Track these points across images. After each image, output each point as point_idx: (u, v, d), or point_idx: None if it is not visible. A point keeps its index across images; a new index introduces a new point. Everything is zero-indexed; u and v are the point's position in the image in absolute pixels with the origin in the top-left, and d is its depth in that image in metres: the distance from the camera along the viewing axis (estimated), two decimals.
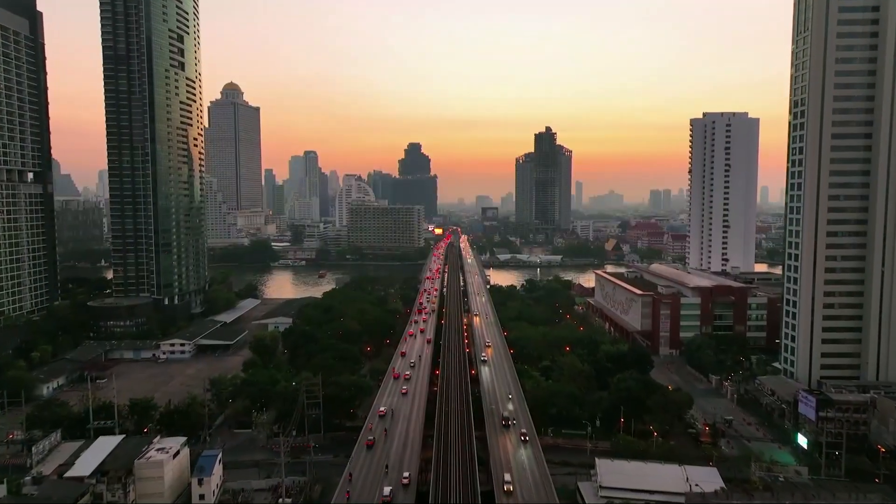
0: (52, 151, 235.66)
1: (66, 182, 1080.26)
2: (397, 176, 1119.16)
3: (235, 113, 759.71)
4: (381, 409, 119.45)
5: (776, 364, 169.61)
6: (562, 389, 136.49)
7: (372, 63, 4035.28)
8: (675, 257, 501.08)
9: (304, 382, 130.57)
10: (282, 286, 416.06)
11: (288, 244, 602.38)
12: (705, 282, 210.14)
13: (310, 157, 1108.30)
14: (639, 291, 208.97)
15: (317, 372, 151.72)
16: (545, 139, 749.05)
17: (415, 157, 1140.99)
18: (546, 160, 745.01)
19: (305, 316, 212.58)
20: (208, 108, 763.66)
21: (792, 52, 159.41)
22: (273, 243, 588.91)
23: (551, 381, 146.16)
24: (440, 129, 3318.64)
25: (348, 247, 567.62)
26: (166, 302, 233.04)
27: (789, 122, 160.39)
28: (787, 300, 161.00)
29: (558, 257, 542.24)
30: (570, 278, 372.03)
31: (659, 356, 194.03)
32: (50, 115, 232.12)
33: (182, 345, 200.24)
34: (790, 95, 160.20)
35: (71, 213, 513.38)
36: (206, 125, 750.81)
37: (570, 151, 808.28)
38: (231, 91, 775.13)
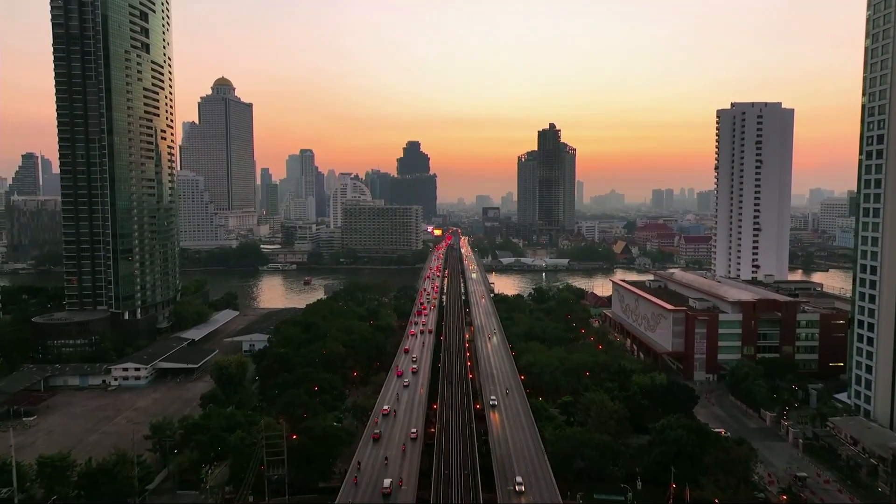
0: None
1: (56, 181, 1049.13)
2: (395, 175, 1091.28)
3: (227, 109, 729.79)
4: (385, 407, 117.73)
5: (842, 396, 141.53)
6: (591, 438, 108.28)
7: (370, 60, 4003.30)
8: (688, 261, 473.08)
9: (262, 434, 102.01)
10: (268, 293, 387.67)
11: (279, 247, 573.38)
12: (746, 295, 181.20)
13: (306, 156, 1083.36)
14: (669, 306, 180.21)
15: (285, 412, 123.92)
16: (549, 136, 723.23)
17: (414, 156, 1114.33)
18: (550, 158, 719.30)
19: (282, 335, 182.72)
20: (198, 104, 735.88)
21: (867, 20, 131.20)
22: (263, 246, 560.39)
23: (575, 425, 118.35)
24: (440, 127, 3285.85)
25: (342, 249, 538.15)
26: (126, 316, 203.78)
27: (863, 105, 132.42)
28: (860, 321, 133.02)
29: (565, 261, 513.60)
30: (580, 285, 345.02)
31: (694, 382, 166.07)
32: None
33: (137, 369, 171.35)
34: (864, 73, 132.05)
35: (47, 214, 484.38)
36: (196, 121, 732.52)
37: (574, 150, 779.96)
38: (222, 86, 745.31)
